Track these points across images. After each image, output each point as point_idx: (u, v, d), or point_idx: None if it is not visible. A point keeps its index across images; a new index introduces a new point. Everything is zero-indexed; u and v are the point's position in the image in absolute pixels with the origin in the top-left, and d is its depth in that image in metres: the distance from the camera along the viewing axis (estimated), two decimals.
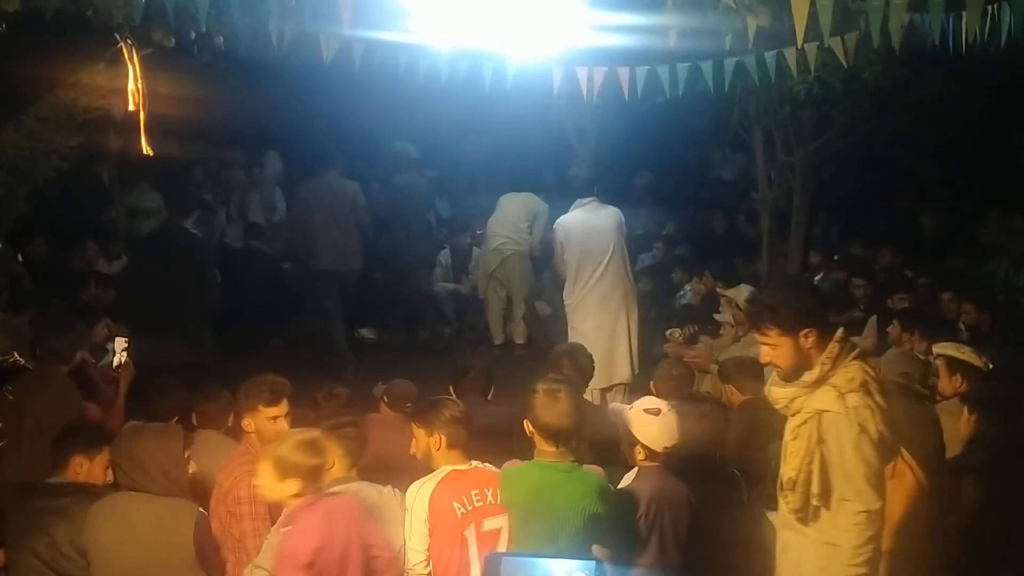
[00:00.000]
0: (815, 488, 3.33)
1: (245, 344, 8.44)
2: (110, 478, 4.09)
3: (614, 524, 3.81)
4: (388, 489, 4.02)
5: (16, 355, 5.16)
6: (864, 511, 3.29)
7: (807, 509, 3.38)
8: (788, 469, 3.40)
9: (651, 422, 3.99)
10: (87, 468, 4.12)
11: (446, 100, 8.92)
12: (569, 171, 8.79)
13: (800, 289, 3.56)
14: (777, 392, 3.47)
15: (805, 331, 3.35)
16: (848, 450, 3.29)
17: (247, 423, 4.29)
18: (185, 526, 3.70)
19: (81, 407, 5.11)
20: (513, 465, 3.87)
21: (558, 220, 7.53)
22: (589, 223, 7.33)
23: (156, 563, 3.69)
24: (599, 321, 7.19)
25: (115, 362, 5.58)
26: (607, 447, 4.33)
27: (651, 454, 3.99)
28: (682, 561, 4.00)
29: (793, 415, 3.41)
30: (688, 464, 4.24)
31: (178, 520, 3.72)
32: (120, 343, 5.59)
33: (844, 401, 3.29)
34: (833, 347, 3.35)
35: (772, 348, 3.42)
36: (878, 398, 3.34)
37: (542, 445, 3.73)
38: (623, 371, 7.17)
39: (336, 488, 3.81)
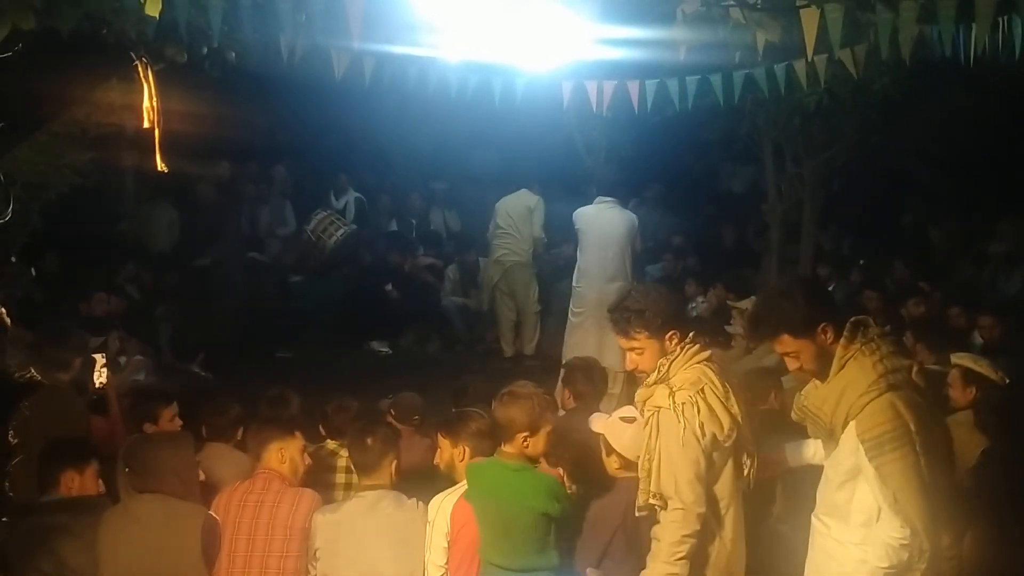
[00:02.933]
0: (652, 484, 3.49)
1: (251, 356, 8.48)
2: (101, 489, 4.18)
3: (571, 528, 3.95)
4: (413, 502, 4.10)
5: (32, 371, 5.17)
6: (680, 508, 3.40)
7: (650, 504, 3.52)
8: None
9: (625, 430, 3.97)
10: (79, 482, 4.15)
11: (456, 114, 8.94)
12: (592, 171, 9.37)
13: (663, 293, 3.70)
14: (638, 392, 3.68)
15: (669, 334, 3.53)
16: (673, 446, 3.43)
17: (279, 453, 4.23)
18: (193, 527, 3.82)
19: (86, 420, 5.13)
20: (476, 462, 4.05)
21: (577, 211, 8.07)
22: (603, 218, 7.92)
23: (164, 563, 3.79)
24: (597, 310, 7.41)
25: (96, 380, 5.56)
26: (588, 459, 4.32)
27: (626, 463, 3.96)
28: None
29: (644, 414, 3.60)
30: None
31: (187, 521, 3.84)
32: (99, 360, 5.58)
33: (673, 398, 3.44)
34: (675, 349, 3.54)
35: (639, 353, 3.61)
36: (712, 400, 3.45)
37: (503, 444, 3.95)
38: (611, 359, 7.20)
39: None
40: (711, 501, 3.51)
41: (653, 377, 3.58)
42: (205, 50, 5.02)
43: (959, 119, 8.80)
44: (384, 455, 4.09)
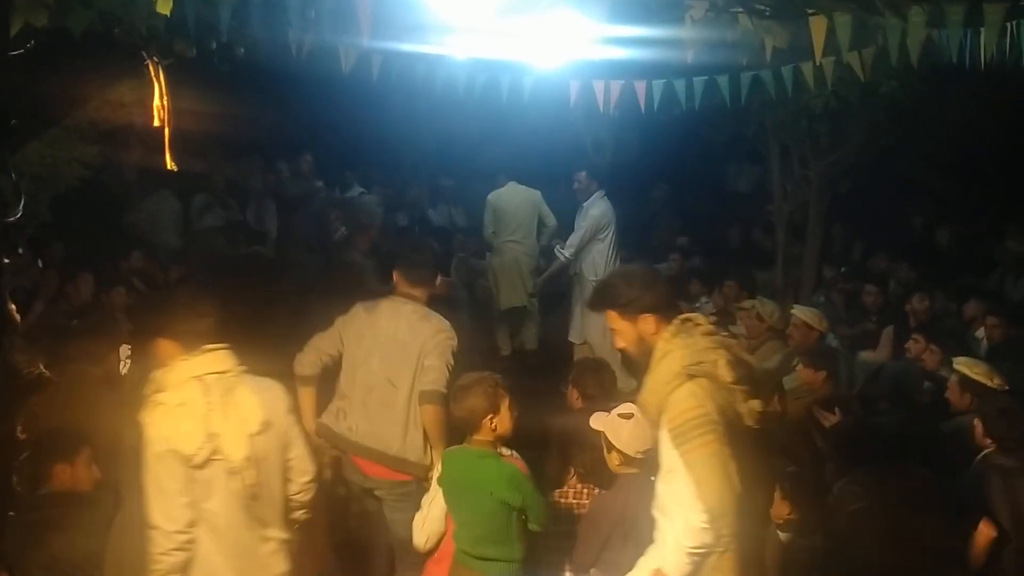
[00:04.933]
0: None
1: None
2: (96, 474, 4.22)
3: (539, 523, 4.01)
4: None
5: (41, 367, 5.19)
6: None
7: None
8: None
9: (623, 426, 4.02)
10: (70, 473, 4.17)
11: (463, 111, 8.96)
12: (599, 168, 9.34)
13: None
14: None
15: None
16: None
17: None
18: None
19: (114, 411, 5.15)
20: (451, 449, 4.23)
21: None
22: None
23: None
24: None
25: (121, 369, 5.62)
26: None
27: (626, 459, 4.01)
28: None
29: None
30: None
31: None
32: (124, 350, 5.63)
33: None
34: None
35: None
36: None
37: (473, 435, 4.06)
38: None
39: None
40: None
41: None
42: (214, 45, 5.04)
43: (966, 123, 8.79)
44: None
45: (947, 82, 7.46)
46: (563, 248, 8.61)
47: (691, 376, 3.22)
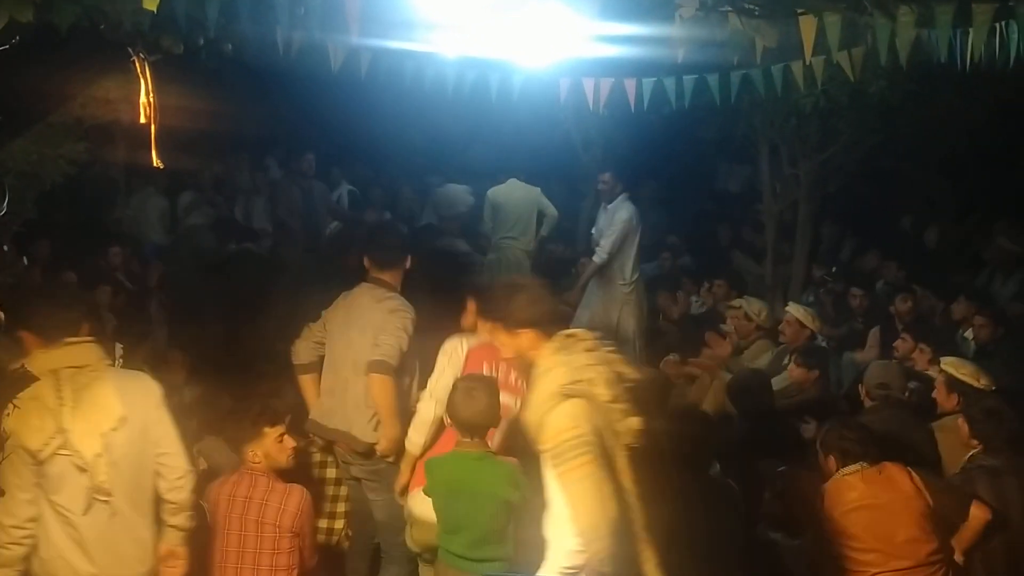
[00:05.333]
0: None
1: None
2: None
3: (530, 515, 3.90)
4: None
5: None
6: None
7: None
8: None
9: None
10: None
11: (452, 109, 8.92)
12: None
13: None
14: None
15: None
16: None
17: (252, 453, 4.22)
18: None
19: None
20: (435, 456, 4.22)
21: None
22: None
23: None
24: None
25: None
26: None
27: None
28: None
29: None
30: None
31: None
32: (116, 349, 5.58)
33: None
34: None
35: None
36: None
37: (460, 436, 4.04)
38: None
39: None
40: None
41: None
42: (201, 41, 5.01)
43: (955, 122, 8.81)
44: None
45: (936, 82, 7.47)
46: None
47: (568, 396, 3.17)
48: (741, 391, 5.58)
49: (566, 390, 3.18)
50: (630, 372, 3.33)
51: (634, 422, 3.20)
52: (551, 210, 9.52)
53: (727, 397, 5.75)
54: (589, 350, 3.29)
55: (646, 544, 3.19)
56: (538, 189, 9.53)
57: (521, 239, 9.39)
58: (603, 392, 3.20)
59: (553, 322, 3.41)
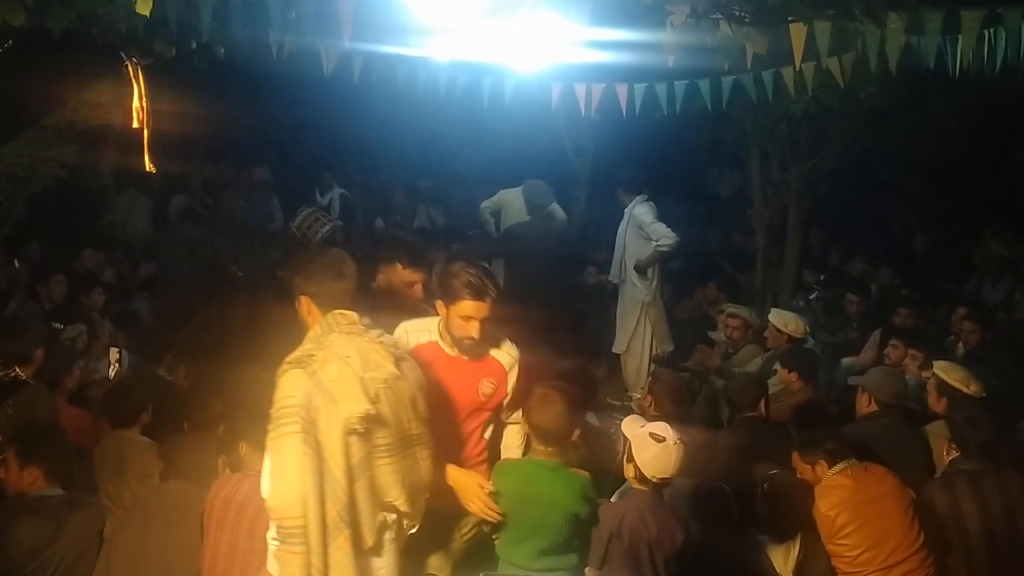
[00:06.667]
0: None
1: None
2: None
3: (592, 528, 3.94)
4: None
5: (17, 369, 5.13)
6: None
7: None
8: None
9: (650, 447, 3.92)
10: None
11: (444, 113, 8.93)
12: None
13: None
14: None
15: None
16: None
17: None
18: None
19: (53, 411, 5.11)
20: (506, 462, 4.07)
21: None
22: None
23: None
24: None
25: (111, 373, 5.58)
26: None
27: (642, 477, 3.94)
28: None
29: None
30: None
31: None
32: (113, 354, 5.58)
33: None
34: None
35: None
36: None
37: (535, 444, 3.94)
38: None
39: None
40: None
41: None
42: (194, 45, 5.01)
43: (944, 128, 8.86)
44: None
45: (925, 88, 7.51)
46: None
47: (295, 366, 3.18)
48: (739, 394, 5.54)
49: (296, 361, 3.20)
50: (386, 362, 3.30)
51: (356, 409, 3.17)
52: (560, 213, 9.54)
53: (725, 401, 5.75)
54: (349, 332, 3.30)
55: (338, 531, 3.16)
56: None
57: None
58: (330, 373, 3.18)
59: (332, 297, 3.36)
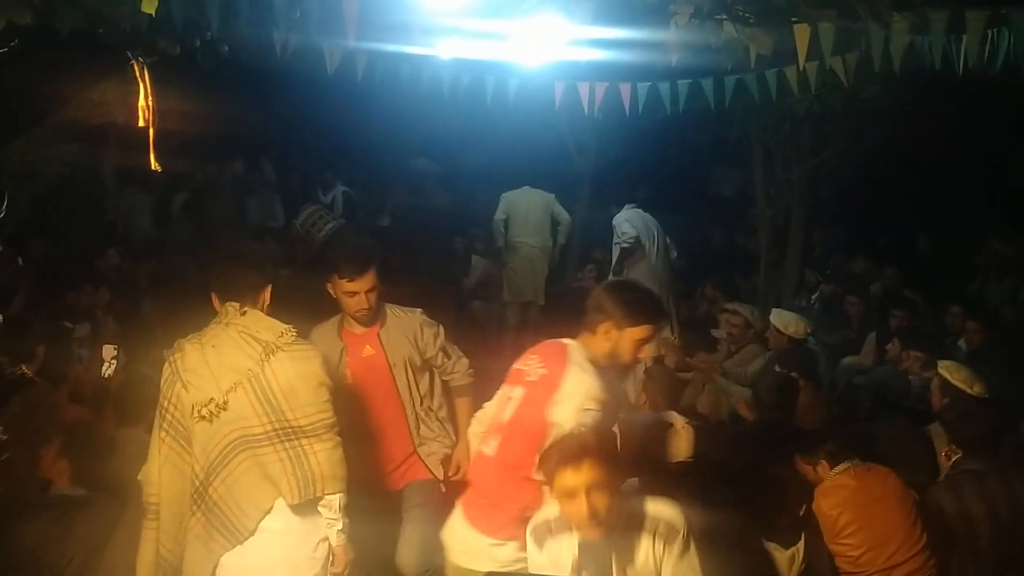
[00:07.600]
0: None
1: None
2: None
3: None
4: None
5: (24, 367, 5.14)
6: None
7: None
8: None
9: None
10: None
11: (448, 112, 8.94)
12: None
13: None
14: None
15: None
16: None
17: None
18: None
19: (55, 408, 5.12)
20: None
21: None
22: None
23: None
24: None
25: (104, 371, 5.57)
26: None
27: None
28: None
29: None
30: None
31: None
32: (108, 351, 5.57)
33: None
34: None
35: None
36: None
37: None
38: None
39: None
40: None
41: None
42: (198, 43, 5.01)
43: (948, 128, 8.84)
44: None
45: (929, 88, 7.50)
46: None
47: (169, 355, 3.48)
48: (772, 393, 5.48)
49: (170, 351, 3.49)
50: (252, 352, 3.42)
51: (200, 397, 3.37)
52: (564, 216, 9.63)
53: (755, 399, 5.68)
54: (224, 324, 3.48)
55: (190, 513, 3.41)
56: (551, 196, 9.64)
57: (534, 239, 9.55)
58: (187, 362, 3.41)
59: (229, 290, 3.53)
